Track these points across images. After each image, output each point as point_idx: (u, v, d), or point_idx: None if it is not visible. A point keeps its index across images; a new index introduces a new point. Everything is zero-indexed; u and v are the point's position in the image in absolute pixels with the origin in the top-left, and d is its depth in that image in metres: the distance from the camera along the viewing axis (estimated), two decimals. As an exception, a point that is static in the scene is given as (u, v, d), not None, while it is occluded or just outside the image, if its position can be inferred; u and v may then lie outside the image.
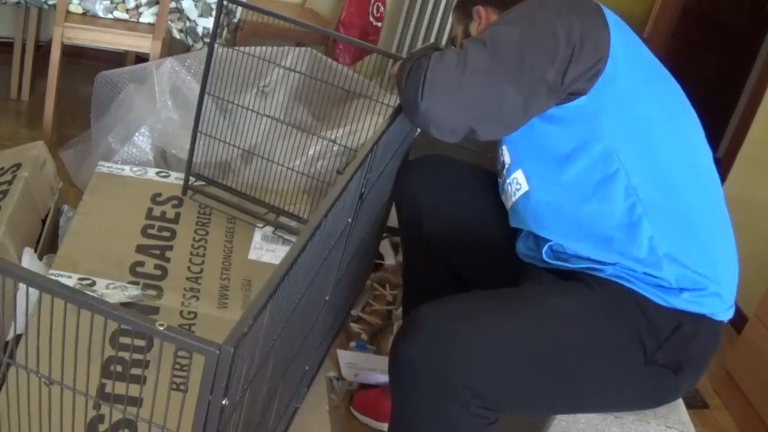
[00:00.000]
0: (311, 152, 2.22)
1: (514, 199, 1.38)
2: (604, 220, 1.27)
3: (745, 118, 2.93)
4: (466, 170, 1.65)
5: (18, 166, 1.79)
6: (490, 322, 1.19)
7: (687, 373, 1.30)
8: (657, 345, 1.25)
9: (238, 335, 0.71)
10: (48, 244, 1.80)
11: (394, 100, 1.70)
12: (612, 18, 1.28)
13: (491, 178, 1.58)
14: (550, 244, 1.33)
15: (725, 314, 1.31)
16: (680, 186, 1.28)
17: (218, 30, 2.64)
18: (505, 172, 1.40)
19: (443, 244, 1.60)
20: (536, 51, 1.21)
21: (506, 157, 1.39)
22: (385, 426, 1.74)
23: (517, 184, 1.37)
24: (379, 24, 3.42)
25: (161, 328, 0.69)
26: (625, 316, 1.24)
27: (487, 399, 1.16)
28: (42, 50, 3.01)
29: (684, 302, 1.26)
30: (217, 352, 0.69)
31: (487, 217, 1.56)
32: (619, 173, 1.25)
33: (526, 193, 1.35)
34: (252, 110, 1.91)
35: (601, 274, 1.27)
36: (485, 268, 1.54)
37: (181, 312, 1.53)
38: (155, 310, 1.51)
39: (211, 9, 2.57)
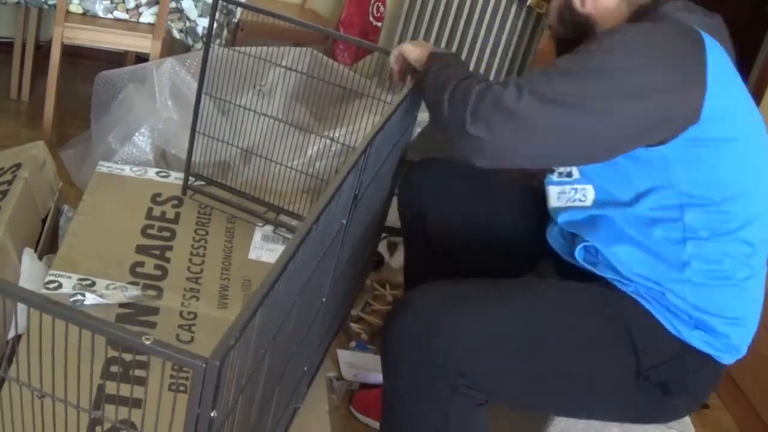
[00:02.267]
0: (311, 151, 2.22)
1: (568, 204, 1.34)
2: (655, 254, 1.25)
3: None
4: (470, 174, 1.63)
5: (18, 166, 1.78)
6: (483, 305, 1.19)
7: (681, 399, 1.29)
8: (652, 364, 1.24)
9: (224, 349, 0.71)
10: (48, 244, 1.80)
11: (391, 99, 1.69)
12: (713, 56, 1.18)
13: (496, 180, 1.57)
14: (586, 244, 1.32)
15: (731, 359, 1.29)
16: (734, 253, 1.24)
17: (218, 30, 2.64)
18: (566, 176, 1.35)
19: (449, 250, 1.59)
20: (630, 105, 1.14)
21: (574, 169, 1.34)
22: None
23: (582, 195, 1.32)
24: (379, 24, 3.42)
25: (148, 342, 0.68)
26: (627, 327, 1.23)
27: (471, 380, 1.16)
28: (42, 50, 3.01)
29: (695, 339, 1.25)
30: (204, 365, 0.69)
31: (494, 222, 1.55)
32: (682, 225, 1.22)
33: (587, 208, 1.31)
34: (251, 110, 1.91)
35: (622, 287, 1.26)
36: (492, 273, 1.53)
37: (181, 312, 1.53)
38: (155, 311, 1.51)
39: (216, 9, 2.57)
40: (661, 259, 1.24)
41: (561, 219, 1.36)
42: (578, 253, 1.32)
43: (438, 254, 1.61)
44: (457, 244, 1.58)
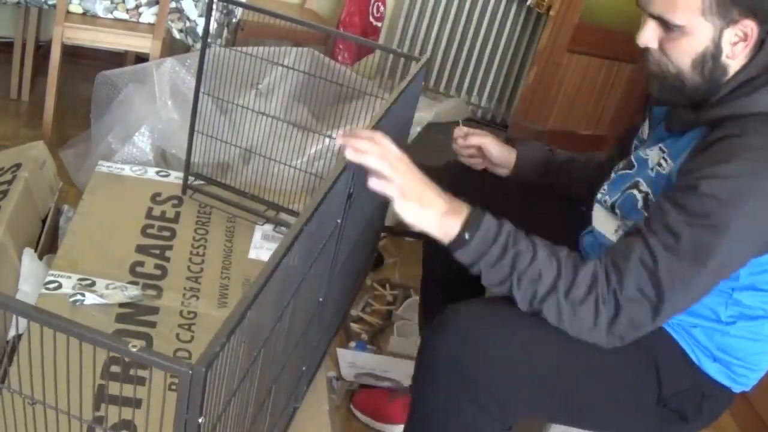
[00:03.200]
0: (311, 151, 2.22)
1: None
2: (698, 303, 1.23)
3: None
4: (487, 179, 1.62)
5: (18, 166, 1.78)
6: (520, 330, 1.17)
7: (694, 425, 1.30)
8: (673, 392, 1.24)
9: (210, 355, 0.71)
10: (48, 244, 1.80)
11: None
12: None
13: (513, 186, 1.57)
14: None
15: (739, 389, 1.30)
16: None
17: (218, 30, 2.64)
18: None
19: None
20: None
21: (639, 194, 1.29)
22: (385, 426, 1.74)
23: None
24: (379, 24, 3.42)
25: (134, 350, 0.68)
26: (654, 354, 1.23)
27: (503, 401, 1.15)
28: (42, 50, 3.01)
29: (714, 371, 1.25)
30: (190, 372, 0.69)
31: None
32: (729, 295, 1.23)
33: None
34: (252, 110, 1.90)
35: None
36: None
37: (181, 312, 1.53)
38: (155, 310, 1.51)
39: (212, 9, 2.57)
40: (703, 306, 1.23)
41: (606, 242, 1.34)
42: None
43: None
44: None
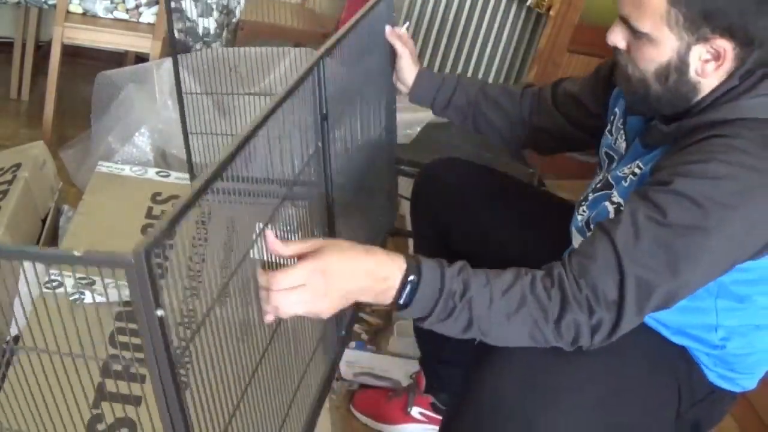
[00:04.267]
0: (311, 151, 2.22)
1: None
2: (687, 334, 1.23)
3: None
4: (486, 176, 1.59)
5: (18, 166, 1.79)
6: (572, 366, 1.12)
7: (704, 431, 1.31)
8: (691, 403, 1.23)
9: (151, 239, 0.69)
10: (48, 244, 1.80)
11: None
12: None
13: (512, 183, 1.56)
14: None
15: (742, 388, 1.30)
16: (763, 325, 1.24)
17: (218, 30, 2.64)
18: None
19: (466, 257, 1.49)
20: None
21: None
22: (385, 426, 1.74)
23: None
24: (379, 24, 3.42)
25: (77, 254, 0.67)
26: (674, 364, 1.22)
27: None
28: (42, 50, 3.01)
29: (718, 380, 1.26)
30: (132, 260, 0.67)
31: (514, 228, 1.51)
32: (715, 314, 1.21)
33: None
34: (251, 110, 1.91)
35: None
36: None
37: (181, 310, 1.53)
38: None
39: (212, 9, 2.57)
40: (692, 336, 1.23)
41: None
42: None
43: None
44: (476, 251, 1.47)
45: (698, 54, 1.09)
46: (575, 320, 1.03)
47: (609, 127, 1.35)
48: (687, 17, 1.06)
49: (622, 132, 1.30)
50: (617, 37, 1.16)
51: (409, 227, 2.00)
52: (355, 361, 1.87)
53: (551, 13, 3.42)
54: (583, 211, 1.30)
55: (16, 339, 1.35)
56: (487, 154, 2.57)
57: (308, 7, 3.43)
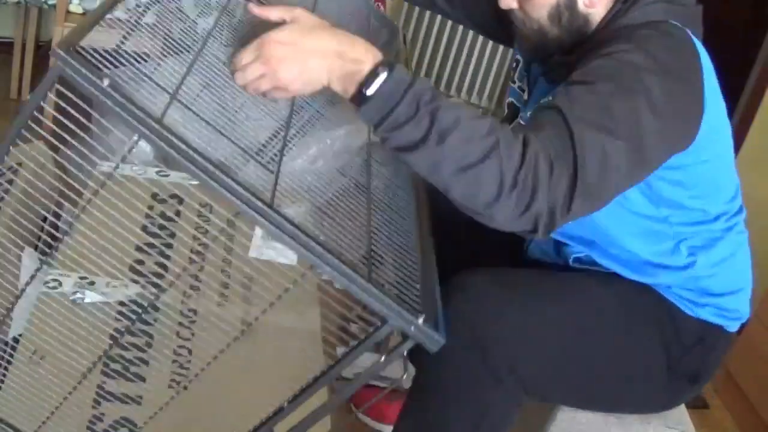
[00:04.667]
0: (311, 151, 2.22)
1: None
2: (654, 265, 1.27)
3: (745, 118, 2.93)
4: None
5: (18, 166, 1.79)
6: (537, 302, 1.18)
7: (703, 381, 1.32)
8: (682, 352, 1.26)
9: None
10: (48, 244, 1.80)
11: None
12: (707, 73, 1.16)
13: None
14: (578, 255, 1.32)
15: (735, 326, 1.33)
16: (722, 235, 1.29)
17: (218, 29, 2.63)
18: None
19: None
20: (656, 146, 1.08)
21: None
22: (385, 426, 1.74)
23: None
24: (379, 24, 3.42)
25: None
26: (654, 318, 1.25)
27: (520, 377, 1.15)
28: (42, 50, 3.01)
29: (707, 313, 1.28)
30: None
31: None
32: (672, 233, 1.25)
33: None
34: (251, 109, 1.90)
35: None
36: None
37: (181, 310, 1.53)
38: (155, 308, 1.51)
39: (212, 9, 2.57)
40: (665, 267, 1.26)
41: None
42: (572, 263, 1.32)
43: None
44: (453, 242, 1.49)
45: None
46: (536, 161, 0.95)
47: (513, 75, 1.40)
48: None
49: (525, 78, 1.36)
50: (510, 1, 1.20)
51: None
52: (355, 361, 1.87)
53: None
54: None
55: (17, 339, 1.35)
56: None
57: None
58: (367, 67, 0.96)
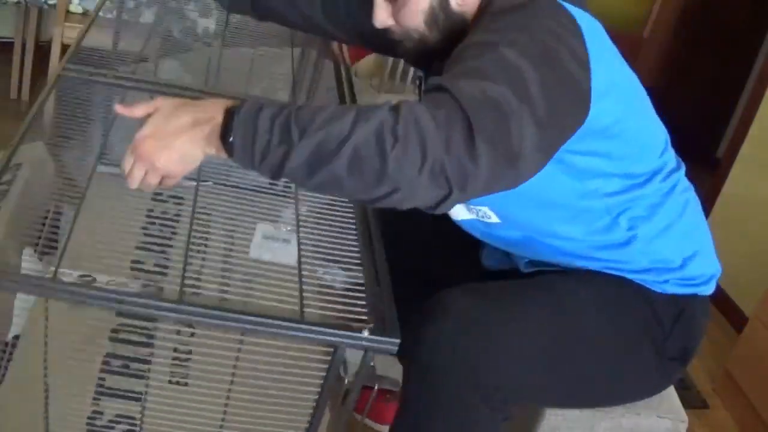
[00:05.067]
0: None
1: (476, 220, 1.30)
2: (599, 246, 1.25)
3: (745, 118, 2.93)
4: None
5: (18, 166, 1.79)
6: (516, 314, 1.17)
7: (689, 359, 1.31)
8: (664, 334, 1.25)
9: None
10: (48, 244, 1.80)
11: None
12: (590, 35, 1.10)
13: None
14: (527, 259, 1.32)
15: (710, 289, 1.31)
16: (660, 200, 1.25)
17: (218, 30, 2.63)
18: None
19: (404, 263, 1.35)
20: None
21: None
22: (384, 427, 1.74)
23: (485, 215, 1.28)
24: (379, 24, 3.42)
25: None
26: (631, 305, 1.25)
27: (507, 392, 1.15)
28: (42, 50, 3.01)
29: (673, 287, 1.26)
30: None
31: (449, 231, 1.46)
32: (605, 209, 1.23)
33: (495, 224, 1.28)
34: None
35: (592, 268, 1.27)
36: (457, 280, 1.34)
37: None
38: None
39: (212, 9, 2.57)
40: (607, 246, 1.24)
41: (482, 237, 1.34)
42: (524, 268, 1.32)
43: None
44: (413, 257, 1.46)
45: None
46: (413, 112, 0.91)
47: (418, 93, 1.38)
48: None
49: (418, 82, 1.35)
50: (383, 16, 1.18)
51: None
52: (354, 361, 1.87)
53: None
54: None
55: (17, 336, 1.35)
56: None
57: (308, 8, 3.44)
58: (219, 120, 0.97)
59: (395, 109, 0.92)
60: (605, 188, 1.20)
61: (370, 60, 3.55)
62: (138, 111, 1.08)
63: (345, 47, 3.19)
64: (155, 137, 1.01)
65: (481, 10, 1.14)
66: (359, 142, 0.90)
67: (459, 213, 1.31)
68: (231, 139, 0.95)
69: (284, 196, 1.99)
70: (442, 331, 1.13)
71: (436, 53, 1.18)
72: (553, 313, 1.21)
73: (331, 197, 1.31)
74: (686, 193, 1.30)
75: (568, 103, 1.05)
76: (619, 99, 1.14)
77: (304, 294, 1.03)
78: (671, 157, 1.29)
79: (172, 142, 1.00)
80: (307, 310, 0.98)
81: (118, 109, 1.09)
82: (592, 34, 1.10)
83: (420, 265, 1.46)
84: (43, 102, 1.28)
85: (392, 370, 1.87)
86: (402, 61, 3.65)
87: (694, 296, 1.29)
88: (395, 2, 1.15)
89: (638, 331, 1.25)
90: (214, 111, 0.98)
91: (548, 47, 1.02)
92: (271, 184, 2.04)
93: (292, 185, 1.67)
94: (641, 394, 1.34)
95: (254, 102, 0.96)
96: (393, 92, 3.52)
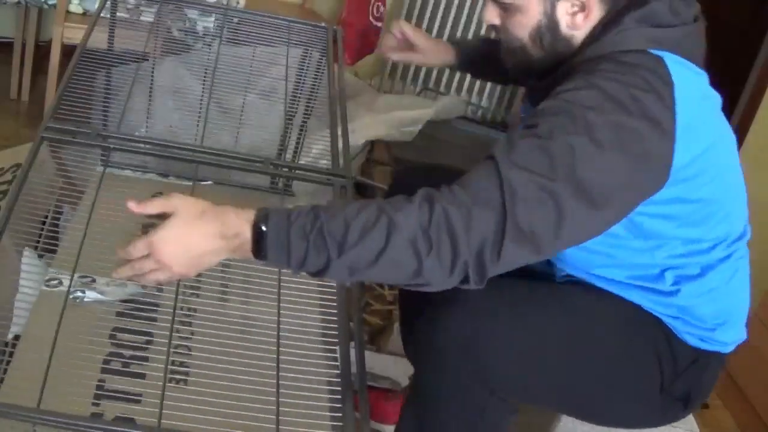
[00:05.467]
0: (314, 151, 2.23)
1: None
2: (641, 288, 1.24)
3: (745, 118, 2.93)
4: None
5: (18, 166, 1.79)
6: (526, 314, 1.18)
7: (696, 403, 1.31)
8: (674, 375, 1.24)
9: None
10: (48, 244, 1.80)
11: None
12: (685, 103, 1.09)
13: None
14: (565, 273, 1.31)
15: (729, 349, 1.31)
16: (714, 264, 1.23)
17: (218, 30, 2.63)
18: None
19: None
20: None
21: None
22: (383, 426, 1.74)
23: None
24: (379, 24, 3.42)
25: None
26: (650, 337, 1.24)
27: (510, 388, 1.17)
28: (42, 50, 3.01)
29: (696, 340, 1.26)
30: None
31: None
32: (658, 265, 1.22)
33: None
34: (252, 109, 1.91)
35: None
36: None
37: (181, 308, 1.53)
38: (155, 307, 1.51)
39: (212, 5, 2.57)
40: (645, 289, 1.24)
41: None
42: (560, 278, 1.33)
43: None
44: None
45: (564, 9, 1.14)
46: (445, 213, 0.95)
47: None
48: None
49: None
50: (491, 15, 1.21)
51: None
52: (354, 360, 1.87)
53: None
54: None
55: (17, 337, 1.35)
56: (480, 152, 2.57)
57: (308, 8, 3.44)
58: (248, 235, 0.99)
59: (427, 204, 0.96)
60: (666, 249, 1.19)
61: (370, 60, 3.55)
62: (152, 208, 1.06)
63: (344, 46, 3.17)
64: (177, 243, 1.01)
65: (585, 46, 1.15)
66: (395, 253, 0.95)
67: None
68: (263, 252, 0.99)
69: (284, 195, 1.99)
70: (451, 323, 1.15)
71: (535, 68, 1.20)
72: (567, 322, 1.20)
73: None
74: (741, 260, 1.28)
75: (635, 181, 1.05)
76: (705, 170, 1.14)
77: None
78: (742, 224, 1.28)
79: (195, 253, 1.02)
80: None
81: (130, 205, 1.08)
82: (688, 100, 1.10)
83: None
84: (27, 169, 1.27)
85: (392, 370, 1.88)
86: (402, 63, 3.65)
87: (716, 353, 1.29)
88: (507, 10, 1.18)
89: (650, 360, 1.24)
90: (238, 226, 1.00)
91: (628, 128, 1.02)
92: (272, 181, 2.04)
93: (292, 185, 1.68)
94: (638, 423, 1.33)
95: (280, 215, 0.98)
96: (393, 92, 3.52)
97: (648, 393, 1.25)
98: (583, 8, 1.13)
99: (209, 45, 2.57)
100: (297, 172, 1.62)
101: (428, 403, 1.22)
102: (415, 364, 1.26)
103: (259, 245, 0.98)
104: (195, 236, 1.00)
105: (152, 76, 2.17)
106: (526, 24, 1.17)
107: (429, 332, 1.18)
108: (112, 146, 1.39)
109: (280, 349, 1.17)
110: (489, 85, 3.78)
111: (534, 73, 1.23)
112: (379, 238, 0.94)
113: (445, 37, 3.67)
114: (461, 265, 0.95)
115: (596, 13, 1.14)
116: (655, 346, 1.24)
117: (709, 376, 1.30)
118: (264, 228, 0.98)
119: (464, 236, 0.94)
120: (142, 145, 1.48)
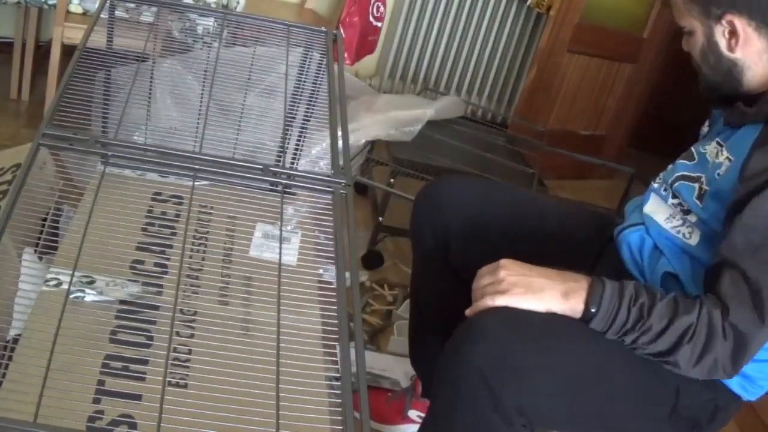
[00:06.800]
0: (313, 151, 2.22)
1: (670, 229, 1.34)
2: None
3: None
4: (496, 190, 1.61)
5: (18, 166, 1.79)
6: (550, 347, 1.18)
7: (706, 429, 1.31)
8: (691, 401, 1.25)
9: None
10: (48, 244, 1.80)
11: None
12: None
13: (520, 198, 1.59)
14: (670, 271, 1.31)
15: (754, 397, 1.31)
16: None
17: (218, 30, 2.63)
18: (679, 208, 1.34)
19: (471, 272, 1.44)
20: None
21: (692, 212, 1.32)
22: (383, 427, 1.74)
23: (687, 232, 1.31)
24: (379, 24, 3.42)
25: None
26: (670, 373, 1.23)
27: (528, 417, 1.16)
28: (42, 50, 3.02)
29: (733, 383, 1.27)
30: None
31: (520, 242, 1.53)
32: None
33: (688, 245, 1.30)
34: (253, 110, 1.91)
35: None
36: None
37: (181, 309, 1.53)
38: (155, 307, 1.52)
39: (212, 9, 2.57)
40: None
41: (654, 231, 1.35)
42: (659, 276, 1.31)
43: (460, 277, 1.52)
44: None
45: (720, 32, 1.25)
46: (732, 316, 1.13)
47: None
48: (697, 3, 1.25)
49: (708, 120, 1.46)
50: (684, 44, 1.34)
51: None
52: (354, 360, 1.87)
53: (551, 12, 3.42)
54: (660, 179, 1.40)
55: (18, 336, 1.35)
56: (487, 155, 2.57)
57: (308, 7, 3.44)
58: (586, 285, 1.19)
59: (718, 309, 1.13)
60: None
61: (370, 60, 3.56)
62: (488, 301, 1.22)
63: (344, 46, 3.16)
64: (521, 274, 1.21)
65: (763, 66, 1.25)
66: (706, 358, 1.13)
67: (660, 215, 1.36)
68: (593, 309, 1.17)
69: (284, 195, 1.99)
70: (468, 351, 1.14)
71: (710, 87, 1.32)
72: (588, 353, 1.20)
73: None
74: None
75: None
76: None
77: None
78: None
79: (538, 288, 1.19)
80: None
81: (468, 312, 1.23)
82: None
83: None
84: (27, 171, 1.27)
85: (392, 370, 1.88)
86: (402, 63, 3.65)
87: (737, 396, 1.29)
88: (685, 33, 1.32)
89: (668, 388, 1.24)
90: (576, 276, 1.20)
91: None
92: (271, 183, 2.04)
93: (292, 185, 1.67)
94: None
95: (611, 288, 1.17)
96: (393, 92, 3.52)
97: (657, 414, 1.25)
98: (733, 32, 1.23)
99: (209, 45, 2.58)
100: (296, 178, 1.61)
101: (443, 429, 1.22)
102: (431, 390, 1.26)
103: (591, 300, 1.18)
104: (536, 276, 1.21)
105: (152, 76, 2.18)
106: (696, 47, 1.30)
107: (448, 362, 1.18)
108: (110, 153, 1.38)
109: (280, 349, 1.17)
110: (489, 85, 3.78)
111: (711, 90, 1.33)
112: (703, 336, 1.14)
113: (445, 37, 3.67)
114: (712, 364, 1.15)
115: (745, 34, 1.23)
116: (675, 381, 1.24)
117: (722, 416, 1.30)
118: (600, 286, 1.18)
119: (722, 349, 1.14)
120: (140, 152, 1.47)
